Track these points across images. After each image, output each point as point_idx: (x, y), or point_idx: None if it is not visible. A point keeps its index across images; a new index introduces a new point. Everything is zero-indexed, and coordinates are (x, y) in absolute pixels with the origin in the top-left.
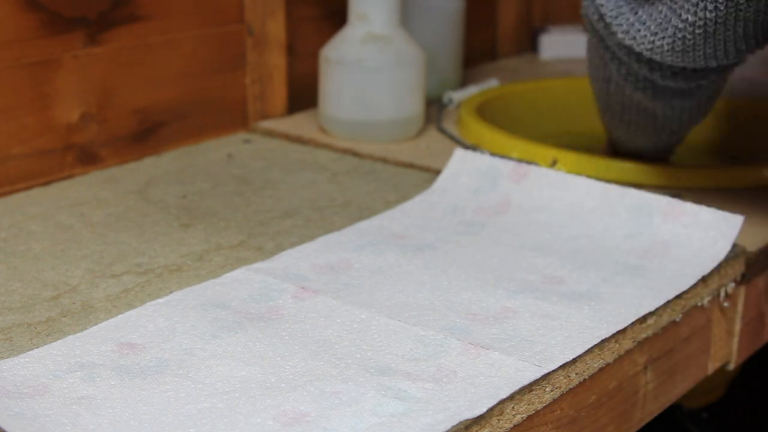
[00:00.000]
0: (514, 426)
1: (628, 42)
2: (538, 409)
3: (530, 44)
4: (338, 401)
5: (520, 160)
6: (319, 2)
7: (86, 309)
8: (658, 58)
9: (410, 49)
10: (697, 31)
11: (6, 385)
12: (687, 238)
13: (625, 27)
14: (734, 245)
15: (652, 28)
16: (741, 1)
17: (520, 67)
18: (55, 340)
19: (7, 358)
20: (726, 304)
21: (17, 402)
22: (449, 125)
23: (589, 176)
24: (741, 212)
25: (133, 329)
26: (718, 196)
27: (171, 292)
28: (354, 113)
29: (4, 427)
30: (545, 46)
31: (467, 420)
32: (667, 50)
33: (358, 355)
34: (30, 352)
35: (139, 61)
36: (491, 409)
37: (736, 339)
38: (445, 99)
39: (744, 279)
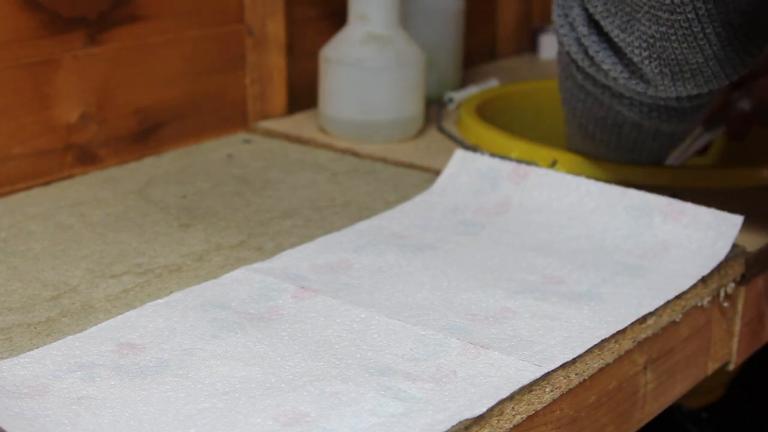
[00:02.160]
0: (514, 426)
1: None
2: (538, 409)
3: (530, 44)
4: (338, 401)
5: (520, 161)
6: (319, 2)
7: (86, 309)
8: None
9: (410, 49)
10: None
11: (6, 385)
12: (687, 238)
13: (612, 74)
14: (734, 245)
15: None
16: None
17: (520, 67)
18: (55, 341)
19: (7, 358)
20: (726, 304)
21: (17, 402)
22: (449, 125)
23: (589, 176)
24: (741, 212)
25: (132, 329)
26: (718, 196)
27: (171, 293)
28: (354, 113)
29: (4, 427)
30: (545, 46)
31: (467, 420)
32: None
33: (358, 355)
34: (30, 352)
35: (139, 61)
36: (491, 409)
37: (736, 339)
38: (445, 99)
39: (744, 279)
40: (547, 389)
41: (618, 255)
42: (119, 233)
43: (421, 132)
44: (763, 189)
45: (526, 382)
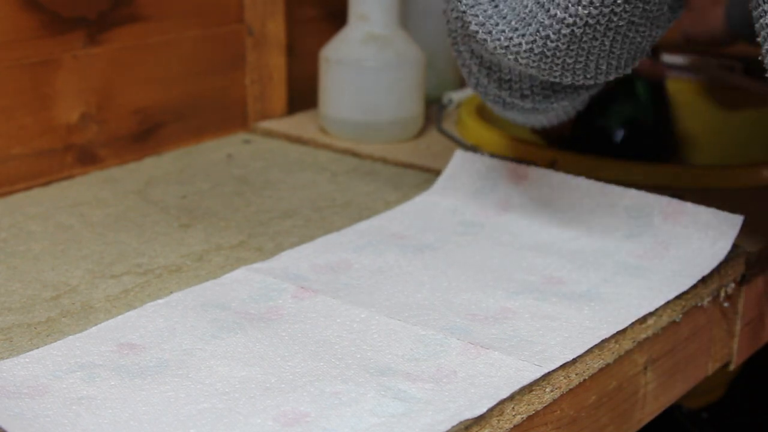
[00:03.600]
0: (514, 426)
1: (482, 36)
2: (538, 409)
3: None
4: (338, 401)
5: (519, 161)
6: (319, 2)
7: (86, 309)
8: (512, 58)
9: (410, 49)
10: (564, 31)
11: (6, 385)
12: (687, 239)
13: (481, 19)
14: (734, 245)
15: (513, 23)
16: (618, 1)
17: None
18: (55, 341)
19: (7, 358)
20: (726, 304)
21: (17, 402)
22: (449, 126)
23: (589, 176)
24: (741, 212)
25: (132, 330)
26: (718, 196)
27: (171, 293)
28: (354, 113)
29: (4, 427)
30: None
31: (467, 420)
32: (525, 50)
33: (358, 355)
34: (30, 352)
35: (139, 61)
36: (491, 410)
37: (736, 339)
38: (445, 99)
39: (744, 279)
40: (547, 389)
41: (618, 255)
42: (119, 233)
43: (421, 132)
44: (763, 189)
45: (526, 382)
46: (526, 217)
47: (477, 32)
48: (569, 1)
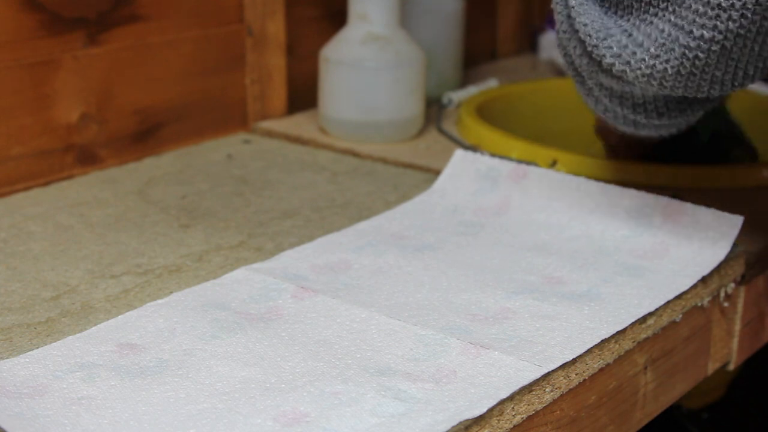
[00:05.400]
0: (514, 426)
1: (619, 67)
2: (538, 409)
3: (530, 44)
4: (338, 401)
5: (519, 161)
6: (319, 2)
7: (86, 309)
8: (656, 84)
9: (410, 49)
10: (714, 48)
11: (6, 385)
12: (687, 239)
13: (616, 50)
14: (734, 245)
15: (652, 50)
16: None
17: (520, 67)
18: (55, 341)
19: (7, 358)
20: (726, 304)
21: (17, 402)
22: (449, 126)
23: (589, 176)
24: (741, 212)
25: (132, 330)
26: (718, 196)
27: (171, 293)
28: (354, 113)
29: (4, 427)
30: (545, 46)
31: (467, 420)
32: (671, 75)
33: (358, 355)
34: (30, 352)
35: (139, 61)
36: (491, 410)
37: (736, 339)
38: (445, 99)
39: (744, 279)
40: (547, 389)
41: (618, 255)
42: (119, 233)
43: (421, 132)
44: (763, 189)
45: (526, 382)
46: (526, 217)
47: (613, 64)
48: (717, 19)
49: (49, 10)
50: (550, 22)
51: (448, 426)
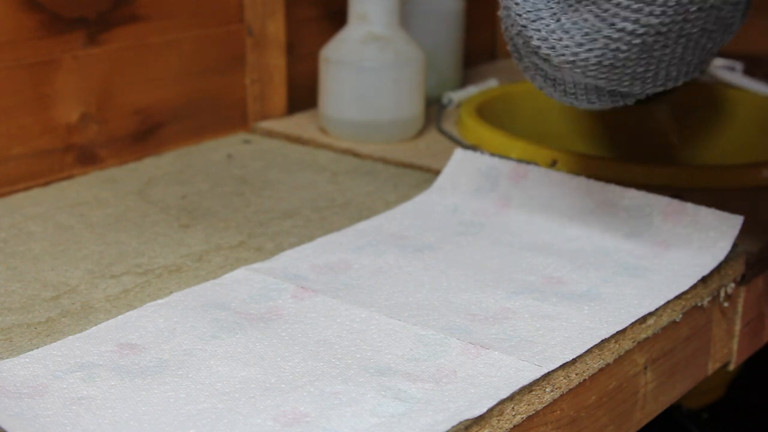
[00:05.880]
0: (514, 426)
1: (545, 51)
2: (538, 409)
3: None
4: (338, 401)
5: (519, 161)
6: (319, 2)
7: (86, 309)
8: (579, 72)
9: (410, 49)
10: (635, 41)
11: (6, 385)
12: (687, 239)
13: (543, 33)
14: (734, 245)
15: (577, 38)
16: (691, 9)
17: None
18: (55, 341)
19: (7, 358)
20: (726, 304)
21: (17, 402)
22: (449, 126)
23: (589, 176)
24: (741, 212)
25: (132, 330)
26: (718, 196)
27: (171, 293)
28: (354, 113)
29: (4, 427)
30: None
31: (467, 420)
32: (593, 64)
33: (358, 355)
34: (30, 352)
35: (139, 61)
36: (491, 410)
37: (736, 339)
38: (445, 99)
39: (744, 279)
40: (547, 389)
41: (618, 255)
42: (119, 233)
43: (421, 132)
44: (763, 189)
45: (526, 382)
46: (526, 217)
47: (539, 47)
48: (639, 13)
49: (49, 10)
50: None
51: (448, 426)
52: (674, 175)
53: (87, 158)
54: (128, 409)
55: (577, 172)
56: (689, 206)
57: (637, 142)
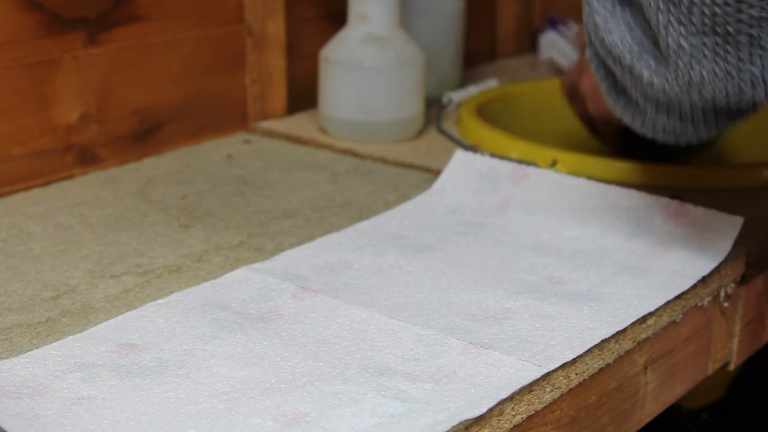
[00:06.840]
0: (514, 426)
1: (659, 85)
2: (538, 409)
3: (530, 44)
4: (338, 401)
5: (519, 161)
6: (319, 2)
7: (86, 309)
8: (695, 95)
9: (410, 50)
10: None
11: (6, 385)
12: (687, 239)
13: (654, 66)
14: (734, 246)
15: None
16: None
17: (520, 67)
18: (55, 341)
19: (7, 358)
20: (726, 304)
21: (17, 402)
22: (449, 126)
23: (589, 176)
24: (741, 212)
25: (132, 330)
26: (718, 196)
27: (171, 293)
28: (354, 113)
29: (4, 427)
30: (545, 46)
31: (467, 420)
32: (708, 78)
33: (358, 355)
34: (30, 352)
35: (139, 61)
36: (491, 410)
37: (736, 339)
38: (445, 99)
39: (744, 279)
40: (547, 389)
41: (618, 255)
42: (119, 234)
43: (421, 132)
44: (763, 189)
45: (526, 382)
46: (526, 217)
47: (652, 82)
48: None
49: (49, 10)
50: (550, 22)
51: (448, 426)
52: (674, 175)
53: (87, 158)
54: (128, 409)
55: (577, 172)
56: (689, 207)
57: None
